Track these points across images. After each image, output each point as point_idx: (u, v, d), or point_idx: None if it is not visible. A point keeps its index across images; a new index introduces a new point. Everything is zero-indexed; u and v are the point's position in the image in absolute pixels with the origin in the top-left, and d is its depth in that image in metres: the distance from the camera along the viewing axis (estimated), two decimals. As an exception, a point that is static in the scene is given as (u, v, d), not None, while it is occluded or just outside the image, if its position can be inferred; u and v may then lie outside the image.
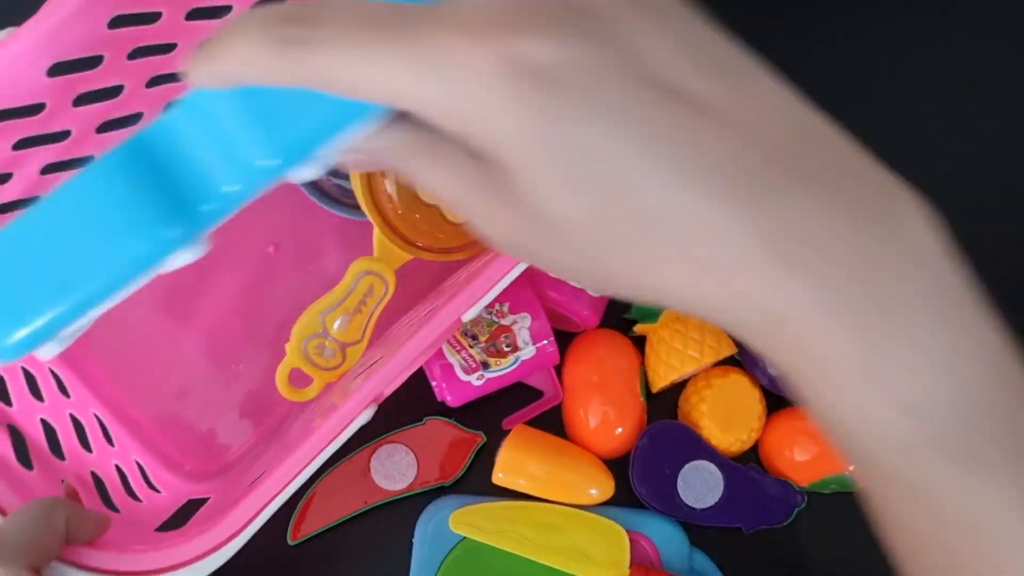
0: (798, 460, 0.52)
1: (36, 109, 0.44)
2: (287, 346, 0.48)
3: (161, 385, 0.52)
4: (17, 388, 0.46)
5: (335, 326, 0.48)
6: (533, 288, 0.52)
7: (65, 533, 0.36)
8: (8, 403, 0.44)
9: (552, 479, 0.51)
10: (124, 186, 0.30)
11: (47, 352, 0.39)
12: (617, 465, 0.53)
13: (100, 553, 0.37)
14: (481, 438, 0.53)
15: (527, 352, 0.51)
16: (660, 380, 0.52)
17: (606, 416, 0.52)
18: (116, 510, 0.44)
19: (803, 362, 0.24)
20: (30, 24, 0.39)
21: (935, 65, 0.63)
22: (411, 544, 0.51)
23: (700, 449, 0.52)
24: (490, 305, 0.48)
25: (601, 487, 0.51)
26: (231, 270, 0.53)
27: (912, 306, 0.23)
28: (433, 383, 0.51)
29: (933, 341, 0.23)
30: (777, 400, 0.54)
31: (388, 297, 0.49)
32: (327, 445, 0.38)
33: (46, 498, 0.38)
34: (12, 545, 0.34)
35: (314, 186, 0.51)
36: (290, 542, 0.51)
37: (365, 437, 0.52)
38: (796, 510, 0.52)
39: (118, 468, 0.47)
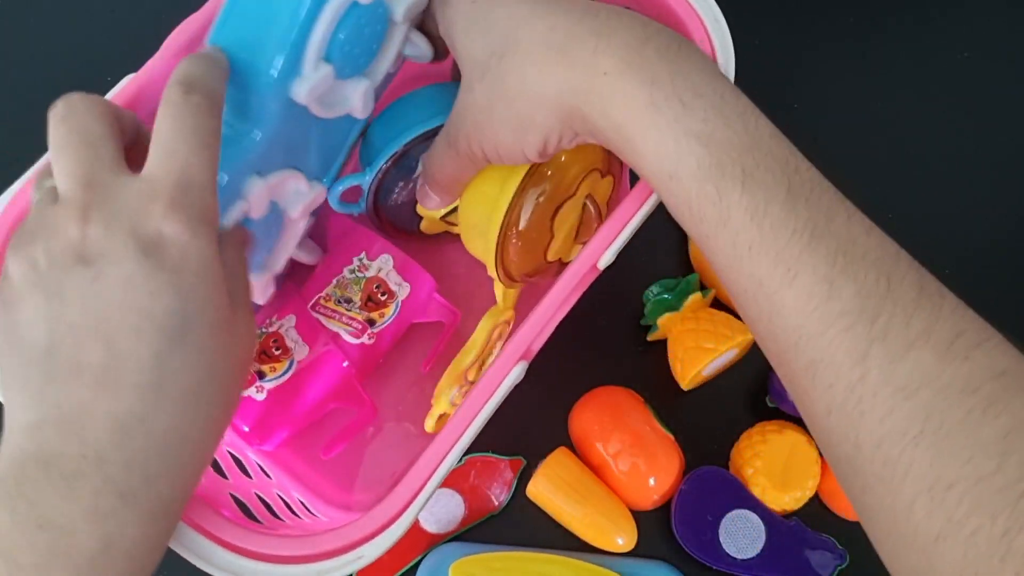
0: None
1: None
2: (435, 401, 0.48)
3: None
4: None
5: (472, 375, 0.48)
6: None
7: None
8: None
9: (585, 519, 0.51)
10: None
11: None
12: (641, 517, 0.52)
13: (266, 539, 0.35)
14: (522, 462, 0.53)
15: (404, 291, 0.50)
16: (686, 374, 0.52)
17: (637, 467, 0.51)
18: (279, 518, 0.44)
19: (616, 111, 0.34)
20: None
21: (937, 67, 0.65)
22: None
23: (743, 499, 0.51)
24: (348, 262, 0.49)
25: (627, 537, 0.51)
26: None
27: (691, 71, 0.33)
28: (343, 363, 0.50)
29: (712, 95, 0.33)
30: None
31: (509, 331, 0.49)
32: (484, 404, 0.37)
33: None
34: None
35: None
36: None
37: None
38: (837, 568, 0.51)
39: (279, 495, 0.47)
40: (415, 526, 0.50)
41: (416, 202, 0.49)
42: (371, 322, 0.49)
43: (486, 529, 0.52)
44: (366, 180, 0.48)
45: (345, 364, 0.49)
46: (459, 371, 0.47)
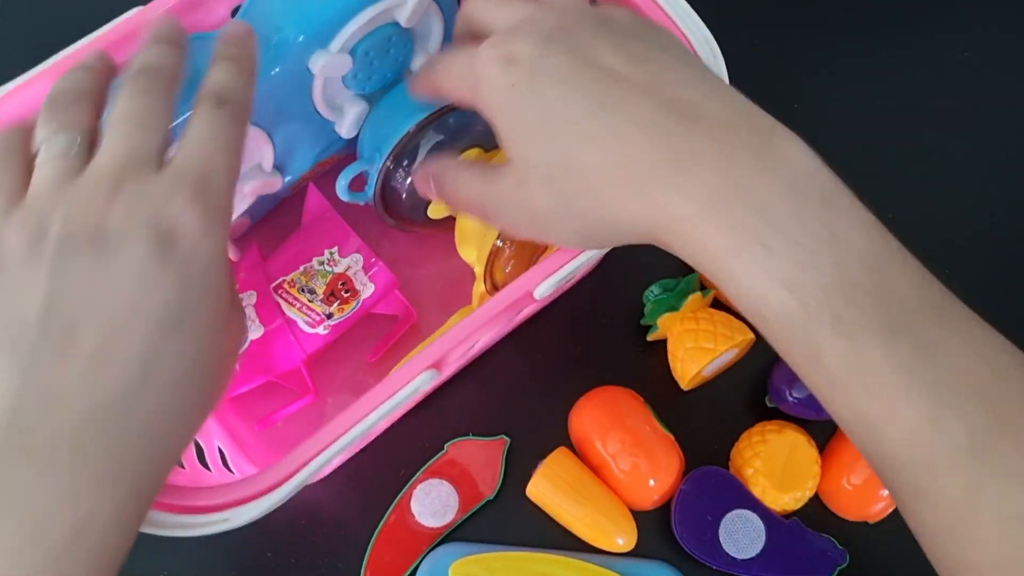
0: (855, 483, 0.51)
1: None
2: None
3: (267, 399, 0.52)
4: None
5: None
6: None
7: None
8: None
9: (585, 518, 0.51)
10: None
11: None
12: (641, 517, 0.52)
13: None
14: (505, 442, 0.53)
15: (367, 291, 0.50)
16: (686, 374, 0.52)
17: (637, 467, 0.51)
18: (182, 466, 0.44)
19: (699, 252, 0.32)
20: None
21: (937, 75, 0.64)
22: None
23: (744, 498, 0.51)
24: (319, 252, 0.49)
25: (627, 537, 0.51)
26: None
27: (773, 204, 0.31)
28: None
29: (795, 231, 0.30)
30: (823, 431, 0.54)
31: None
32: (383, 402, 0.37)
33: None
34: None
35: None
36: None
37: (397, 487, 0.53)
38: (838, 568, 0.50)
39: (195, 442, 0.47)
40: (413, 525, 0.51)
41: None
42: (329, 316, 0.49)
43: (486, 529, 0.52)
44: (374, 166, 0.48)
45: (301, 358, 0.50)
46: None
